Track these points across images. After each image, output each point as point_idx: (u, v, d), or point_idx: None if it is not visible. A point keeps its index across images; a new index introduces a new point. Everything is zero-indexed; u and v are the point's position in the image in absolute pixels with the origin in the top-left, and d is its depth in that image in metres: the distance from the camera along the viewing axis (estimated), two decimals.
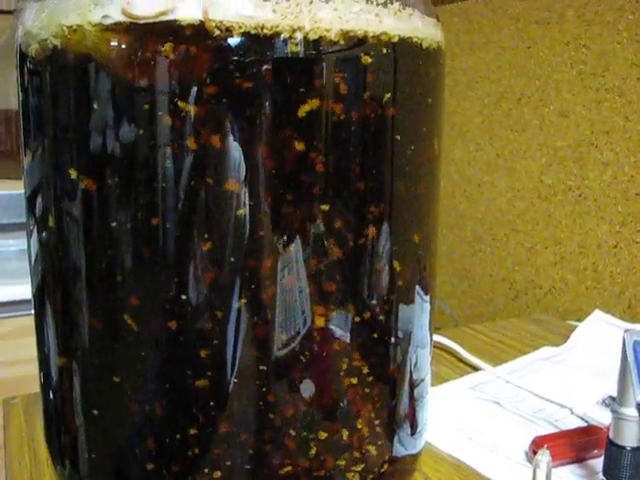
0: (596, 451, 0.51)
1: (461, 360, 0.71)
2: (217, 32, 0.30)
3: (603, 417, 0.56)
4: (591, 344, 0.73)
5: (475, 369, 0.68)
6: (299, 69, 0.31)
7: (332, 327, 0.35)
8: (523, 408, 0.59)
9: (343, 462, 0.38)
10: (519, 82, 0.94)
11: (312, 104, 0.32)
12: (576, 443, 0.50)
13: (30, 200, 0.38)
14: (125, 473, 0.37)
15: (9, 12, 1.21)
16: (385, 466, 0.40)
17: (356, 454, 0.38)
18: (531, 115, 0.92)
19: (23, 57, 0.36)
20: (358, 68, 0.33)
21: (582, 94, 0.85)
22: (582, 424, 0.56)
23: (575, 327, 0.78)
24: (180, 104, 0.31)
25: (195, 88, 0.30)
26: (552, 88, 0.89)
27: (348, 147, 0.34)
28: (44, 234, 0.37)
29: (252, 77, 0.30)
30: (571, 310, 0.88)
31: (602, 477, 0.43)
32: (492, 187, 0.99)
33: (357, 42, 0.32)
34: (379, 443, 0.40)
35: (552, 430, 0.55)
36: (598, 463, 0.50)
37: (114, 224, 0.33)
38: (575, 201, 0.86)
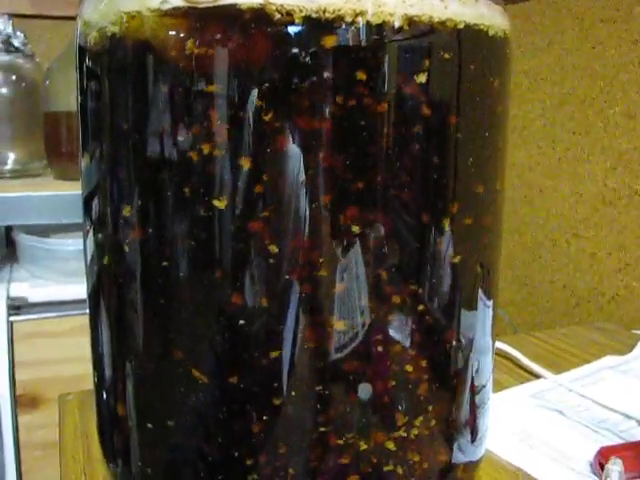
0: None
1: (521, 367, 0.69)
2: (277, 16, 0.29)
3: None
4: None
5: (536, 377, 0.66)
6: (362, 54, 0.30)
7: (392, 331, 0.34)
8: (587, 417, 0.56)
9: (401, 467, 0.36)
10: (583, 83, 0.91)
11: (375, 94, 0.31)
12: None
13: (87, 202, 0.38)
14: (177, 474, 0.37)
15: (73, 18, 1.23)
16: (444, 473, 0.39)
17: (415, 460, 0.37)
18: (595, 117, 0.89)
19: (82, 51, 0.36)
20: (423, 54, 0.32)
21: None
22: None
23: None
24: (240, 91, 0.30)
25: (255, 74, 0.30)
26: (618, 89, 0.86)
27: (412, 142, 0.33)
28: (100, 236, 0.37)
29: (313, 62, 0.29)
30: (636, 319, 0.85)
31: None
32: (554, 192, 0.96)
33: (422, 27, 0.31)
34: (438, 449, 0.38)
35: (618, 441, 0.52)
36: None
37: (170, 228, 0.33)
38: None
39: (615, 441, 0.52)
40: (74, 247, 1.06)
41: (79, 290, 1.01)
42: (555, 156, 0.96)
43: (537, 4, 0.98)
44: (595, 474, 0.48)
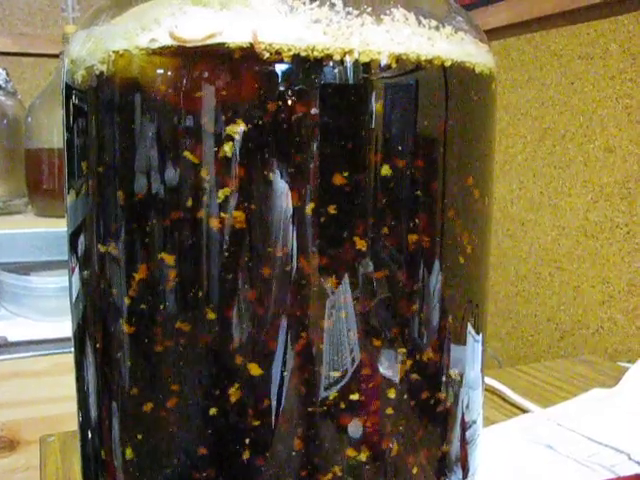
0: None
1: (508, 401, 0.68)
2: (266, 55, 0.29)
3: None
4: None
5: (523, 411, 0.66)
6: (350, 92, 0.30)
7: (382, 368, 0.34)
8: (577, 452, 0.56)
9: None
10: (563, 118, 0.92)
11: (363, 129, 0.31)
12: None
13: (72, 238, 0.38)
14: None
15: (55, 56, 1.24)
16: None
17: None
18: (576, 151, 0.90)
19: (68, 89, 0.36)
20: (411, 92, 0.32)
21: (629, 129, 0.83)
22: None
23: (626, 369, 0.75)
24: (228, 128, 0.30)
25: (243, 111, 0.30)
26: (597, 124, 0.87)
27: (400, 178, 0.33)
28: (85, 273, 0.36)
29: (302, 100, 0.30)
30: (621, 351, 0.85)
31: None
32: (536, 225, 0.97)
33: (409, 65, 0.31)
34: None
35: (609, 475, 0.52)
36: None
37: (157, 266, 0.32)
38: (623, 238, 0.84)
39: (606, 476, 0.52)
40: (55, 285, 1.05)
41: (60, 328, 1.00)
42: (537, 190, 0.97)
43: (516, 41, 0.99)
44: None
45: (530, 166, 0.98)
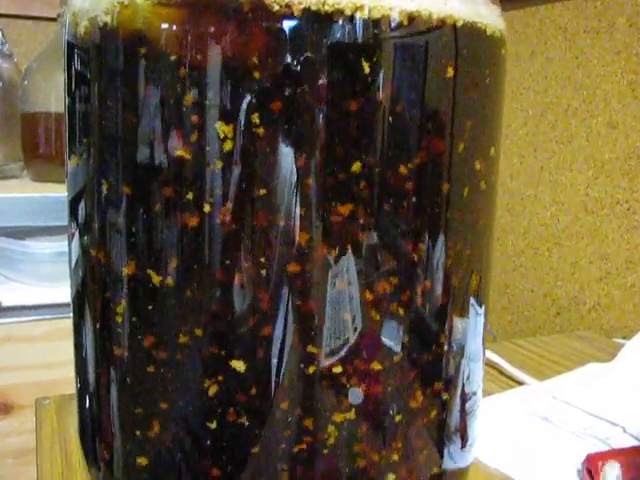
0: None
1: (504, 374, 0.68)
2: (276, 7, 0.28)
3: None
4: None
5: (519, 384, 0.66)
6: (360, 48, 0.30)
7: (384, 338, 0.34)
8: (572, 424, 0.56)
9: (390, 474, 0.36)
10: (566, 93, 0.92)
11: (372, 89, 0.30)
12: (632, 463, 0.47)
13: (73, 204, 0.37)
14: (162, 477, 0.36)
15: (53, 19, 1.22)
16: (433, 479, 0.38)
17: (404, 466, 0.36)
18: (578, 127, 0.90)
19: (70, 48, 0.35)
20: (421, 51, 0.31)
21: (632, 105, 0.82)
22: (635, 443, 0.53)
23: (622, 345, 0.75)
24: (235, 84, 0.29)
25: (251, 66, 0.29)
26: (601, 99, 0.87)
27: (406, 142, 0.32)
28: (86, 239, 0.36)
29: (311, 57, 0.29)
30: (617, 327, 0.85)
31: None
32: (535, 200, 0.96)
33: (421, 23, 0.31)
34: (428, 456, 0.38)
35: (604, 448, 0.52)
36: None
37: (159, 233, 0.32)
38: (623, 215, 0.84)
39: (602, 448, 0.52)
40: (51, 250, 1.04)
41: (55, 294, 0.99)
42: (537, 165, 0.96)
43: (521, 14, 0.98)
44: None
45: (531, 141, 0.97)
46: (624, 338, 0.79)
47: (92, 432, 0.40)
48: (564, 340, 0.81)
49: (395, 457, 0.36)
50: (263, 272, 0.31)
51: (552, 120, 0.94)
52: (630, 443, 0.53)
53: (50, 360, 0.97)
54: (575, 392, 0.62)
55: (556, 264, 0.93)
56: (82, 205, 0.36)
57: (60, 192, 0.88)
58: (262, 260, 0.31)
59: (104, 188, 0.34)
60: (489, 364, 0.69)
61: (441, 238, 0.35)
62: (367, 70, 0.30)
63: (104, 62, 0.32)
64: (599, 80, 0.87)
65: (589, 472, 0.47)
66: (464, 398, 0.40)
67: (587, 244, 0.89)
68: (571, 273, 0.91)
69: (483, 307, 0.40)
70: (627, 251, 0.84)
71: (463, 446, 0.41)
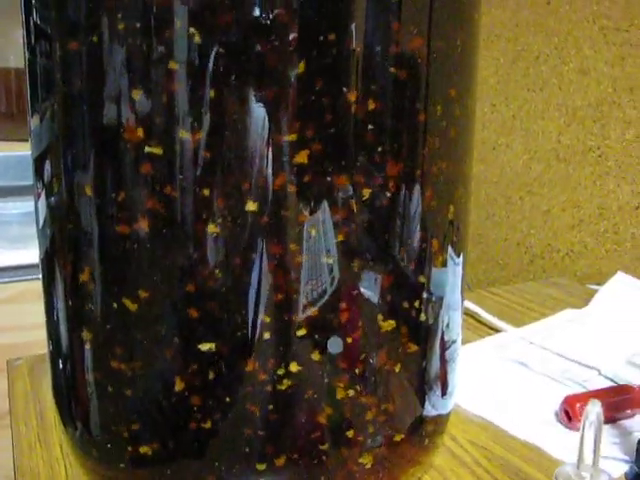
0: (629, 411, 0.49)
1: (480, 322, 0.69)
2: None
3: (633, 377, 0.54)
4: (615, 305, 0.71)
5: (496, 331, 0.66)
6: None
7: (363, 288, 0.33)
8: (549, 369, 0.57)
9: (372, 421, 0.36)
10: (537, 40, 0.91)
11: (341, 35, 0.29)
12: (609, 403, 0.48)
13: (37, 163, 0.36)
14: (137, 436, 0.35)
15: None
16: (415, 426, 0.38)
17: (386, 414, 0.36)
18: (550, 74, 0.89)
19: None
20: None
21: (604, 50, 0.82)
22: (610, 385, 0.54)
23: (595, 291, 0.76)
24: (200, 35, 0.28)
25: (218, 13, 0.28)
26: (572, 45, 0.86)
27: (381, 91, 0.31)
28: (53, 199, 0.35)
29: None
30: (590, 274, 0.86)
31: None
32: (508, 149, 0.96)
33: None
34: (410, 403, 0.38)
35: (581, 390, 0.53)
36: (632, 423, 0.48)
37: (128, 191, 0.31)
38: (595, 162, 0.84)
39: (578, 390, 0.52)
40: (16, 211, 1.02)
41: (23, 256, 0.97)
42: (509, 113, 0.96)
43: None
44: (560, 422, 0.48)
45: (502, 89, 0.96)
46: (597, 284, 0.80)
47: (67, 393, 0.39)
48: (538, 287, 0.81)
49: (377, 404, 0.36)
50: (236, 222, 0.30)
51: (523, 68, 0.93)
52: (605, 385, 0.54)
53: (18, 323, 0.95)
54: (551, 338, 0.63)
55: (529, 212, 0.94)
56: (47, 165, 0.35)
57: (23, 151, 0.85)
58: (235, 211, 0.30)
59: (70, 147, 0.32)
60: (466, 313, 0.69)
61: (417, 187, 0.34)
62: (340, 10, 0.29)
63: (65, 15, 0.31)
64: (570, 26, 0.86)
65: (567, 414, 0.48)
66: (444, 346, 0.40)
67: (559, 192, 0.89)
68: (544, 221, 0.91)
69: (461, 257, 0.40)
70: (599, 198, 0.84)
71: (444, 394, 0.41)
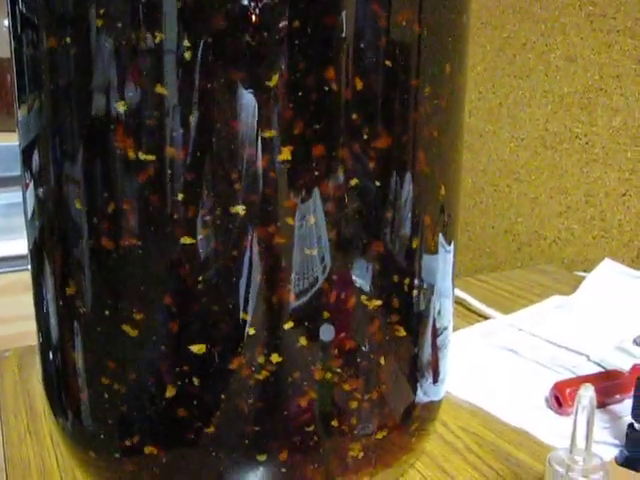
0: (618, 396, 0.49)
1: (469, 309, 0.69)
2: None
3: (621, 362, 0.54)
4: (602, 292, 0.71)
5: (485, 318, 0.66)
6: None
7: (354, 276, 0.33)
8: (539, 355, 0.57)
9: (365, 409, 0.36)
10: (524, 27, 0.91)
11: (335, 19, 0.29)
12: (598, 388, 0.48)
13: (25, 154, 0.35)
14: (128, 426, 0.35)
15: None
16: (408, 412, 0.39)
17: (379, 400, 0.36)
18: (536, 61, 0.89)
19: None
20: None
21: (591, 37, 0.82)
22: (599, 370, 0.54)
23: (582, 278, 0.76)
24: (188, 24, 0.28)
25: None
26: (559, 32, 0.86)
27: (372, 76, 0.31)
28: (41, 190, 0.34)
29: None
30: (577, 261, 0.86)
31: (632, 419, 0.41)
32: (494, 136, 0.96)
33: None
34: (402, 390, 0.38)
35: (570, 376, 0.53)
36: (621, 408, 0.49)
37: (117, 181, 0.31)
38: (582, 149, 0.84)
39: (568, 376, 0.53)
40: (1, 202, 1.01)
41: (10, 246, 0.97)
42: (496, 101, 0.96)
43: None
44: (551, 408, 0.49)
45: (489, 76, 0.96)
46: (584, 271, 0.81)
47: (58, 384, 0.39)
48: (526, 274, 0.82)
49: (369, 391, 0.36)
50: (227, 210, 0.30)
51: (510, 55, 0.93)
52: (595, 370, 0.54)
53: (6, 314, 0.95)
54: (540, 324, 0.63)
55: (516, 200, 0.94)
56: (36, 156, 0.34)
57: (9, 142, 0.85)
58: (227, 200, 0.30)
59: (58, 138, 0.32)
60: (455, 300, 0.70)
61: (408, 176, 0.34)
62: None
63: (52, 3, 0.30)
64: (557, 13, 0.86)
65: (557, 399, 0.48)
66: (435, 333, 0.40)
67: (547, 179, 0.89)
68: (531, 208, 0.92)
69: (452, 244, 0.40)
70: (586, 185, 0.84)
71: (435, 381, 0.41)
